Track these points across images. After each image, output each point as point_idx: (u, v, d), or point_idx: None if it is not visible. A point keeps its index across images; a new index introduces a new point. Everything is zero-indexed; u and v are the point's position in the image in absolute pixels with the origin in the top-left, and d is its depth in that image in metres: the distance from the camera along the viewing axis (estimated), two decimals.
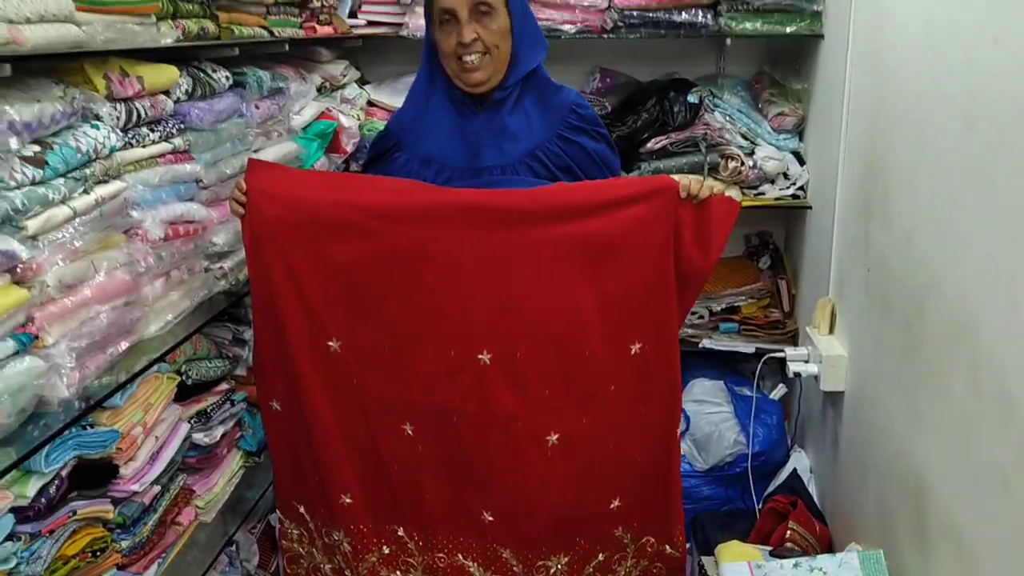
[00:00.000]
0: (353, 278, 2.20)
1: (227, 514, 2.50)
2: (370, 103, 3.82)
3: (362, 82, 3.88)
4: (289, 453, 2.43)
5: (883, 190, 2.67)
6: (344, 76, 3.62)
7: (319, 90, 3.32)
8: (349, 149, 3.51)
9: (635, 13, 3.52)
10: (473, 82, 2.20)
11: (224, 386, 2.54)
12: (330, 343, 2.27)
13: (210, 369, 2.46)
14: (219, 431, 2.46)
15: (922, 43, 2.39)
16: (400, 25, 3.67)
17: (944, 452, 2.17)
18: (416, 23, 3.59)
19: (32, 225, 1.64)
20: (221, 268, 2.40)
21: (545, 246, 2.11)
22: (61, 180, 1.73)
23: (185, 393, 2.37)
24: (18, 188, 1.62)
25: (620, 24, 3.53)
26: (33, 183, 1.66)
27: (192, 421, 2.37)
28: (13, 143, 1.59)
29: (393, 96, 3.83)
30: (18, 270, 1.63)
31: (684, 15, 3.51)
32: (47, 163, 1.70)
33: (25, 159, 1.65)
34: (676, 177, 2.13)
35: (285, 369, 2.32)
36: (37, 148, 1.70)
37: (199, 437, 2.39)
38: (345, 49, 3.74)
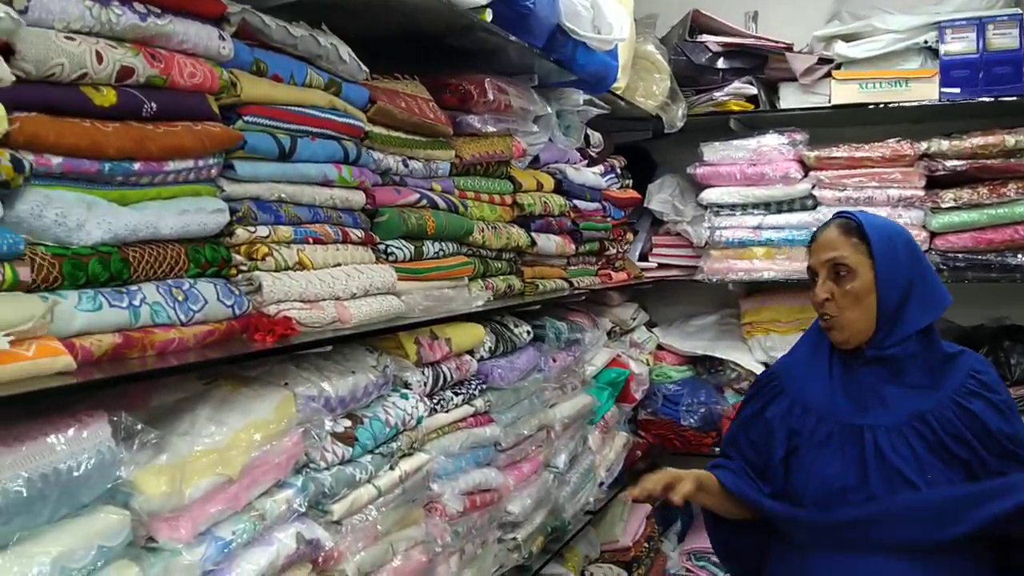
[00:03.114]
0: None
1: None
2: (659, 347, 3.65)
3: (650, 325, 3.73)
4: None
5: None
6: (634, 320, 3.50)
7: (609, 334, 3.20)
8: (638, 397, 3.34)
9: (960, 256, 3.18)
10: (833, 340, 2.06)
11: None
12: None
13: None
14: None
15: None
16: (694, 268, 3.52)
17: None
18: (712, 267, 3.43)
19: (338, 510, 1.53)
20: (514, 539, 2.21)
21: None
22: (368, 457, 1.63)
23: None
24: (328, 469, 1.52)
25: (943, 267, 3.19)
26: (342, 462, 1.56)
27: None
28: (328, 423, 1.51)
29: (683, 340, 3.64)
30: (320, 559, 1.50)
31: (1020, 257, 3.12)
32: (356, 440, 1.60)
33: (336, 436, 1.56)
34: None
35: None
36: (348, 423, 1.62)
37: None
38: (634, 291, 3.64)
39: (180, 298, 1.22)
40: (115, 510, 1.15)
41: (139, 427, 1.19)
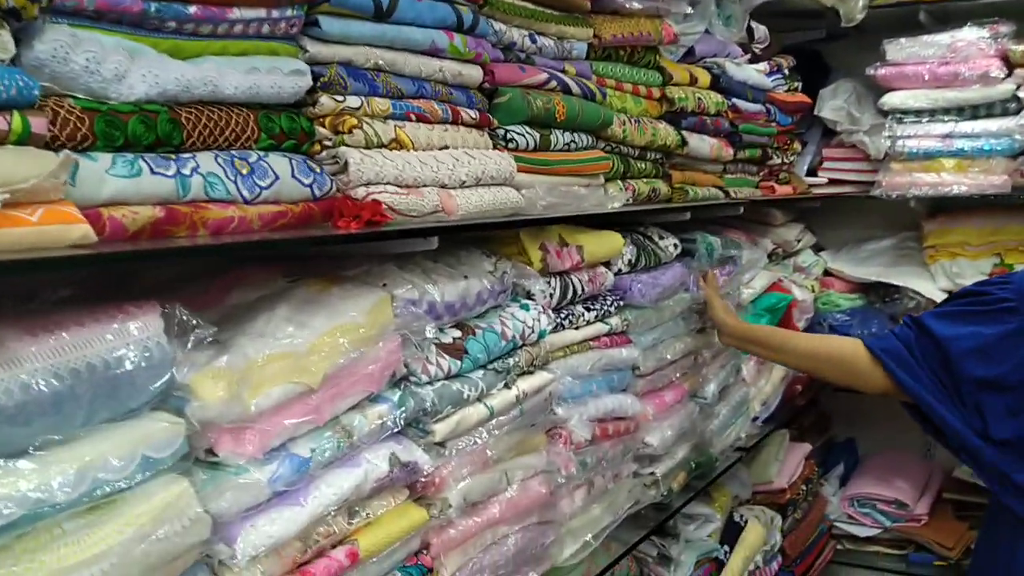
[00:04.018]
0: None
1: None
2: (826, 272, 3.29)
3: (817, 248, 3.37)
4: None
5: None
6: (799, 241, 3.15)
7: (770, 257, 2.87)
8: (801, 326, 3.01)
9: None
10: None
11: None
12: None
13: None
14: None
15: None
16: (870, 184, 3.12)
17: None
18: (892, 181, 3.02)
19: (440, 430, 1.33)
20: (652, 474, 1.98)
21: None
22: (480, 373, 1.42)
23: None
24: (430, 383, 1.33)
25: None
26: (448, 376, 1.36)
27: None
28: (429, 331, 1.30)
29: (855, 265, 3.26)
30: (419, 485, 1.31)
31: None
32: (466, 352, 1.40)
33: (443, 348, 1.36)
34: None
35: None
36: (457, 334, 1.41)
37: None
38: (799, 210, 3.27)
39: (244, 171, 1.02)
40: (167, 417, 0.99)
41: (195, 322, 1.02)
